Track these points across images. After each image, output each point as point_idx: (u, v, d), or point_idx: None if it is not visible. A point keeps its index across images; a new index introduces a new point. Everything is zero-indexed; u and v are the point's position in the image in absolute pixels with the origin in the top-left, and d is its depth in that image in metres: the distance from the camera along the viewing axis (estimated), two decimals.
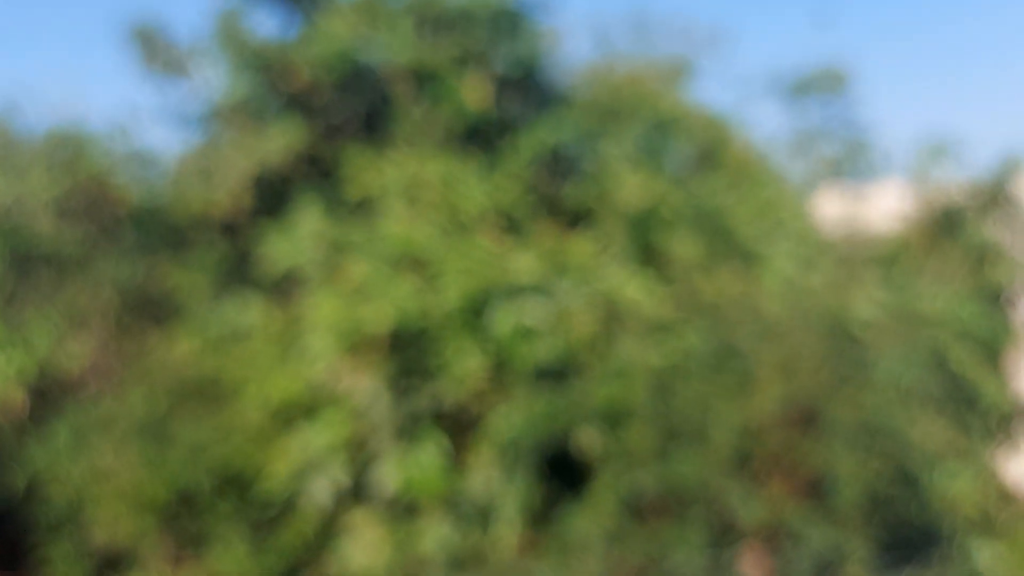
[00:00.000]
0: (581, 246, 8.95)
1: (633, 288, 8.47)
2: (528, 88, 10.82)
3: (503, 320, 7.69)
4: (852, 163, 13.57)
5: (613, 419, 7.70)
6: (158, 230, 11.34)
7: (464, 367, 7.85)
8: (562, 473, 8.29)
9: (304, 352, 8.35)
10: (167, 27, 10.50)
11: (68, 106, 10.80)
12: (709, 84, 15.30)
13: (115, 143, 10.93)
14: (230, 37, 10.02)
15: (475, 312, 8.09)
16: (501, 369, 8.27)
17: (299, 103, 10.29)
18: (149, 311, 11.16)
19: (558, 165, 10.52)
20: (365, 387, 8.13)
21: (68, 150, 10.78)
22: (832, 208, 11.57)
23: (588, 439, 7.69)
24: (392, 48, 10.07)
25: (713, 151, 12.04)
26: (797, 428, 7.68)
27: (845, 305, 8.21)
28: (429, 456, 7.97)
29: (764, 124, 16.31)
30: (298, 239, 8.81)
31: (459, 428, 8.51)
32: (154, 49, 10.39)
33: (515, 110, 10.55)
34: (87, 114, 11.07)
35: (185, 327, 10.47)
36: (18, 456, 10.51)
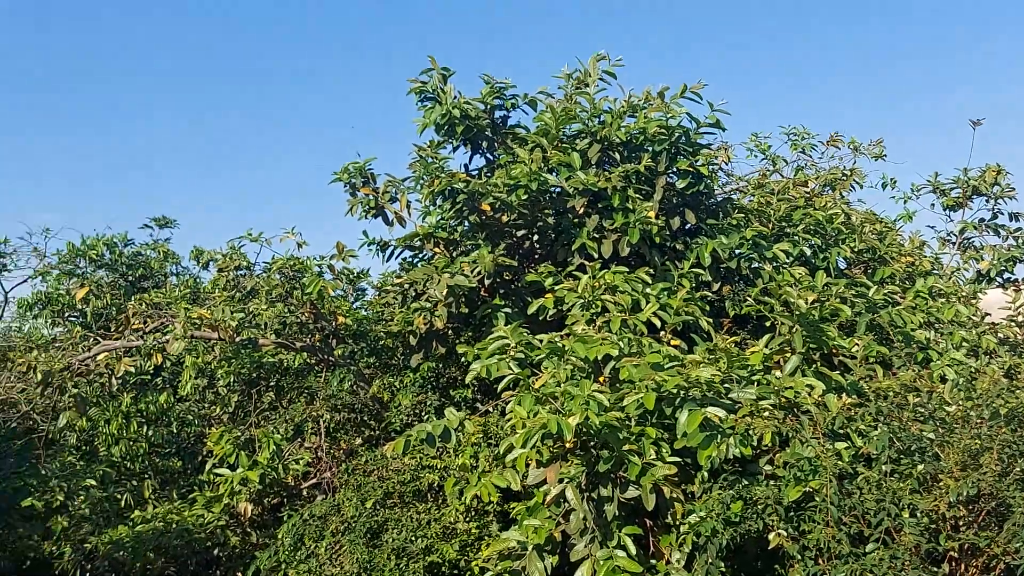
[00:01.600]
0: (758, 348, 9.41)
1: (811, 388, 8.84)
2: (699, 200, 11.49)
3: (689, 421, 8.19)
4: (1016, 259, 13.60)
5: (800, 516, 8.01)
6: (366, 347, 12.43)
7: (653, 467, 8.36)
8: (751, 570, 8.61)
9: (504, 455, 9.03)
10: (370, 168, 11.70)
11: (286, 240, 12.12)
12: (873, 189, 15.60)
13: (326, 271, 12.14)
14: (427, 172, 11.11)
15: (661, 414, 8.62)
16: (688, 468, 8.74)
17: (487, 227, 11.25)
18: (359, 420, 12.18)
19: (731, 272, 11.08)
20: (561, 488, 8.73)
21: (286, 279, 12.05)
22: (1000, 303, 11.64)
23: (776, 536, 8.00)
24: (570, 172, 10.94)
25: (880, 251, 12.34)
26: (986, 522, 7.78)
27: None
28: (625, 554, 8.44)
29: (929, 223, 16.42)
30: (493, 351, 9.57)
31: (649, 526, 8.99)
32: (359, 187, 11.58)
33: (687, 221, 11.21)
34: (301, 246, 12.27)
35: (392, 434, 11.41)
36: (246, 560, 11.54)
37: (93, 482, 13.19)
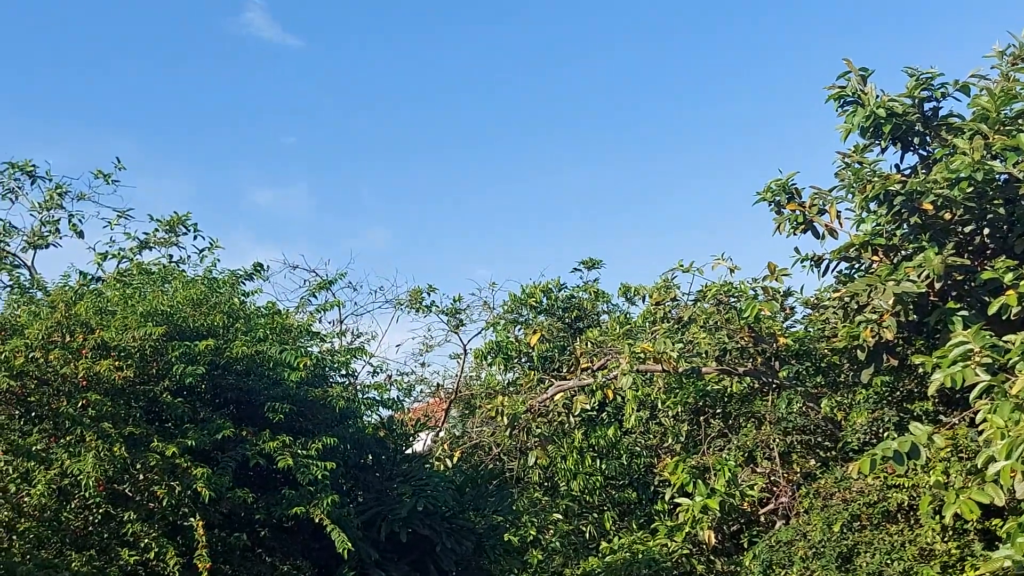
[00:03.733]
0: None
1: None
2: None
3: None
4: None
5: None
6: (811, 366, 12.15)
7: None
8: None
9: (983, 469, 8.35)
10: (793, 183, 11.49)
11: (717, 266, 12.20)
12: None
13: (760, 293, 12.06)
14: (856, 179, 10.70)
15: None
16: None
17: (930, 227, 10.58)
18: (811, 442, 11.90)
19: None
20: None
21: (720, 305, 12.13)
22: None
23: None
24: (1019, 156, 10.01)
25: None
26: None
27: None
28: None
29: None
30: (955, 358, 8.92)
31: None
32: (784, 203, 11.42)
33: None
34: (733, 271, 12.30)
35: (849, 454, 11.00)
36: None
37: (559, 516, 14.02)
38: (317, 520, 8.12)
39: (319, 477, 8.13)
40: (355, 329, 15.11)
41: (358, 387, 10.83)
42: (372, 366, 10.94)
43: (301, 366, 8.87)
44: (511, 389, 16.00)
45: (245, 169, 47.94)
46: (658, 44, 48.85)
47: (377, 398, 10.26)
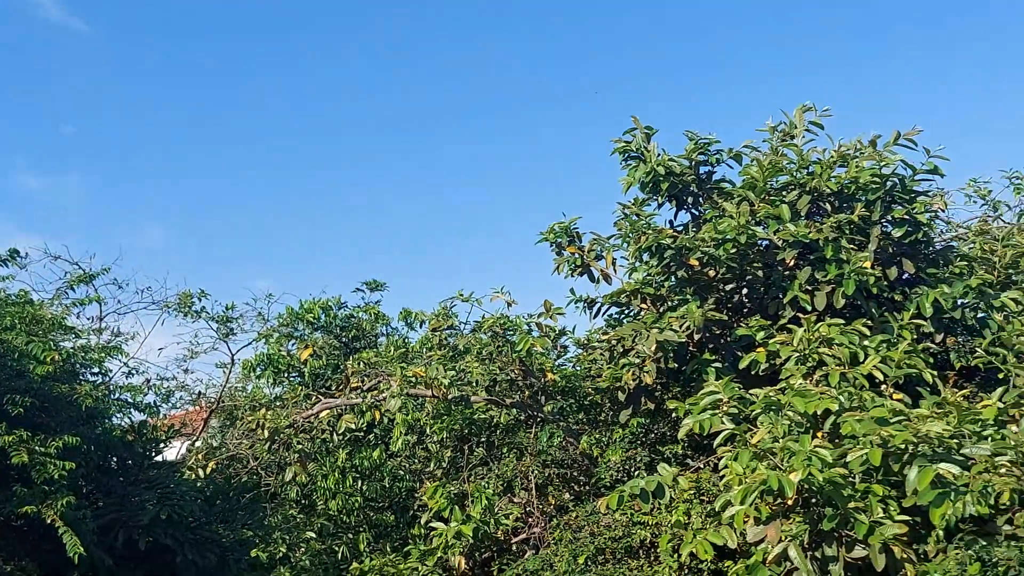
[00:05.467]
0: (992, 402, 8.91)
1: None
2: (917, 249, 11.07)
3: (920, 478, 7.82)
4: None
5: None
6: (574, 403, 12.54)
7: (881, 525, 8.02)
8: None
9: (720, 512, 8.86)
10: (575, 227, 11.92)
11: (495, 299, 12.44)
12: None
13: (534, 328, 12.37)
14: (632, 230, 11.21)
15: (887, 471, 8.28)
16: (918, 528, 8.32)
17: (695, 282, 11.21)
18: (568, 476, 12.25)
19: (954, 322, 10.58)
20: (783, 546, 8.48)
21: (495, 337, 12.35)
22: None
23: None
24: (779, 224, 10.78)
25: None
26: None
27: None
28: None
29: None
30: (705, 406, 9.46)
31: None
32: (565, 246, 11.80)
33: (905, 271, 10.81)
34: (510, 305, 12.55)
35: (601, 490, 11.40)
36: None
37: (312, 535, 13.78)
38: (49, 521, 7.65)
39: (56, 476, 7.68)
40: (116, 328, 14.31)
41: (111, 387, 10.29)
42: (128, 367, 10.42)
43: (49, 360, 8.36)
44: (277, 403, 15.62)
45: (14, 154, 44.73)
46: (460, 74, 49.57)
47: (130, 400, 9.79)
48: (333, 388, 15.31)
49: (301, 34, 47.50)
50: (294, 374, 17.28)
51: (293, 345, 17.58)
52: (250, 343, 16.96)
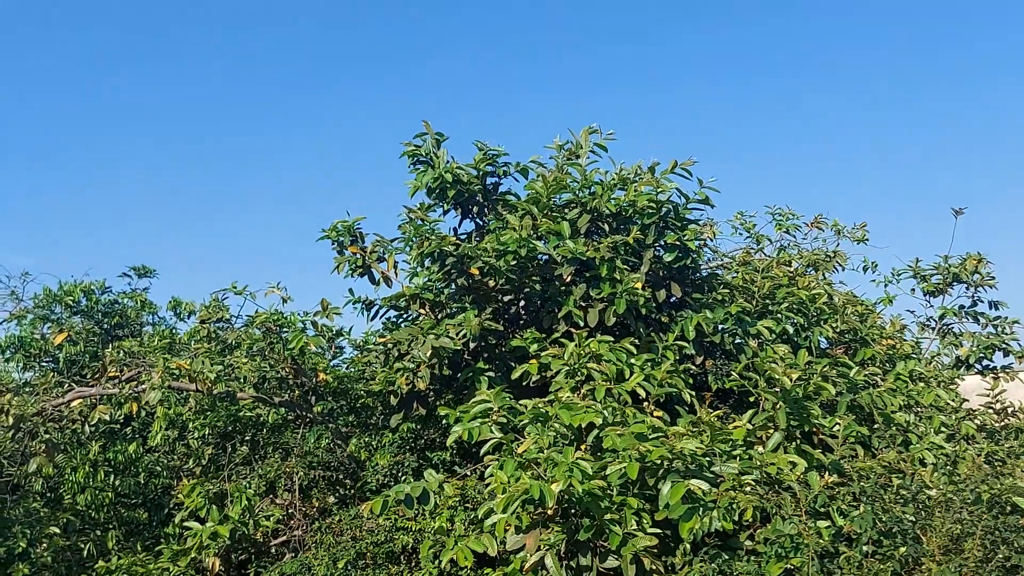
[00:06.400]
0: (742, 423, 9.44)
1: (794, 464, 8.86)
2: (685, 274, 11.59)
3: (672, 493, 8.17)
4: (995, 347, 13.80)
5: None
6: (345, 405, 12.33)
7: (634, 537, 8.31)
8: None
9: (483, 520, 8.94)
10: (359, 227, 11.74)
11: (270, 294, 12.07)
12: (855, 271, 15.81)
13: (309, 327, 12.09)
14: (416, 234, 11.16)
15: (643, 485, 8.60)
16: (669, 541, 8.69)
17: (474, 291, 11.28)
18: (334, 479, 12.02)
19: (714, 346, 11.14)
20: (540, 555, 8.64)
21: (268, 333, 11.98)
22: (979, 389, 11.78)
23: None
24: (559, 241, 11.02)
25: (862, 333, 12.47)
26: None
27: (1006, 480, 8.38)
28: None
29: (909, 308, 16.57)
30: (475, 414, 9.54)
31: None
32: (347, 245, 11.61)
33: (673, 294, 11.29)
34: (286, 301, 12.23)
35: (367, 494, 11.27)
36: None
37: (57, 530, 12.89)
38: None
39: None
40: None
41: None
42: None
43: None
44: (26, 390, 14.55)
45: None
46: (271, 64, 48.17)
47: None
48: (89, 376, 14.41)
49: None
50: (47, 359, 16.18)
51: (48, 328, 16.46)
52: (0, 323, 15.76)
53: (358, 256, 11.70)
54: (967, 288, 14.41)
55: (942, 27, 47.09)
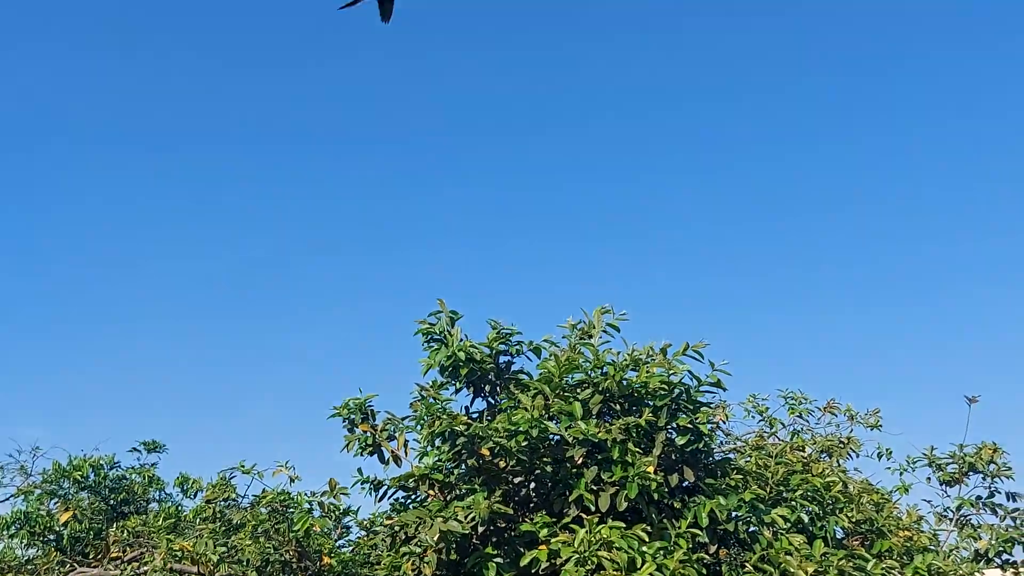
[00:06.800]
0: None
1: None
2: (698, 458, 11.44)
3: None
4: (1014, 540, 13.45)
5: None
6: None
7: None
8: None
9: None
10: (370, 405, 11.74)
11: (278, 474, 11.96)
12: (869, 458, 15.59)
13: (316, 507, 11.90)
14: (428, 413, 11.13)
15: None
16: None
17: (485, 472, 11.15)
18: None
19: (728, 534, 10.88)
20: None
21: (274, 513, 11.80)
22: None
23: None
24: (571, 421, 10.95)
25: (878, 523, 12.20)
26: None
27: None
28: None
29: (925, 497, 16.24)
30: None
31: None
32: (358, 423, 11.58)
33: (686, 479, 11.12)
34: (293, 480, 12.10)
35: None
36: None
37: None
38: None
39: None
40: None
41: None
42: None
43: None
44: (29, 567, 14.28)
45: None
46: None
47: None
48: (92, 556, 14.14)
49: None
50: (51, 536, 15.92)
51: (55, 504, 16.28)
52: (7, 499, 15.63)
53: (368, 434, 11.64)
54: (984, 478, 14.15)
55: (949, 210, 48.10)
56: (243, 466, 12.36)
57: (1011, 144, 46.20)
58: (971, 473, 14.25)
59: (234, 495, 12.67)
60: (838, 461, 14.25)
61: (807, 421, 15.47)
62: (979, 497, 14.22)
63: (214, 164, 49.29)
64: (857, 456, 14.84)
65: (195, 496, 17.04)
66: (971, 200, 48.04)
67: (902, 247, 48.40)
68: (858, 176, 49.23)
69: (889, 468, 15.34)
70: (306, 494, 12.20)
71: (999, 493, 14.13)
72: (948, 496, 14.53)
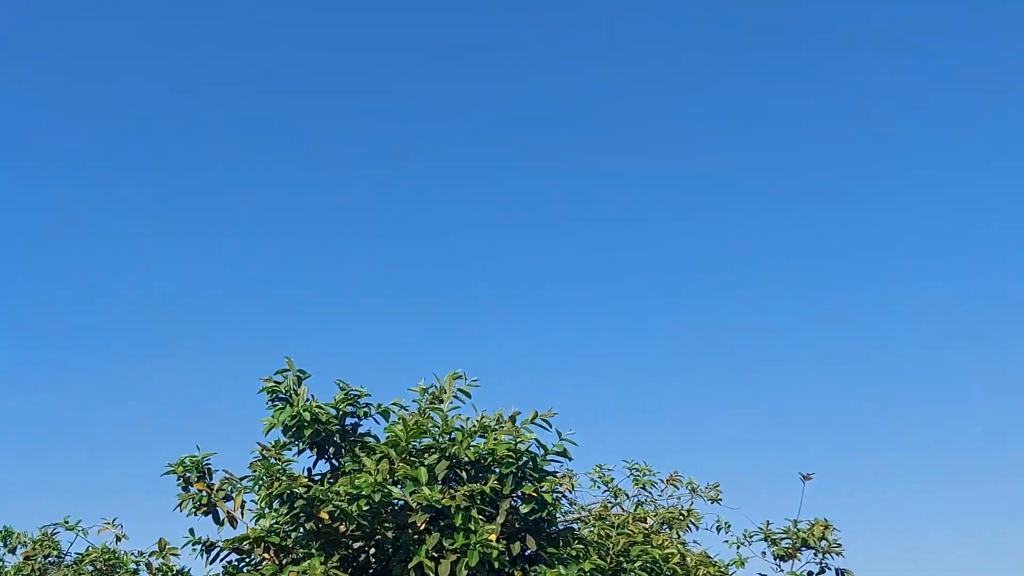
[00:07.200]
0: None
1: None
2: (541, 526, 11.44)
3: None
4: None
5: None
6: None
7: None
8: None
9: None
10: (208, 463, 11.35)
11: (104, 531, 11.39)
12: (708, 531, 15.92)
13: (143, 568, 11.37)
14: (267, 474, 10.82)
15: None
16: None
17: (323, 536, 10.87)
18: None
19: None
20: None
21: (98, 573, 11.21)
22: None
23: None
24: (416, 487, 10.81)
25: None
26: None
27: None
28: None
29: (761, 572, 16.65)
30: None
31: None
32: (193, 481, 11.17)
33: (528, 547, 11.08)
34: (120, 539, 11.53)
35: None
36: None
37: None
38: None
39: None
40: None
41: None
42: None
43: None
44: None
45: None
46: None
47: None
48: None
49: None
50: None
51: None
52: None
53: (204, 493, 11.22)
54: (816, 554, 14.60)
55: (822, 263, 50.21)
56: (66, 522, 11.73)
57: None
58: (804, 549, 14.67)
59: (56, 552, 11.98)
60: (678, 533, 14.50)
61: (650, 492, 15.73)
62: (811, 573, 14.64)
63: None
64: (697, 528, 15.15)
65: (17, 551, 16.05)
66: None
67: (738, 320, 49.97)
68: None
69: (727, 541, 15.68)
70: (133, 553, 11.67)
71: (829, 570, 14.59)
72: (782, 571, 14.91)
